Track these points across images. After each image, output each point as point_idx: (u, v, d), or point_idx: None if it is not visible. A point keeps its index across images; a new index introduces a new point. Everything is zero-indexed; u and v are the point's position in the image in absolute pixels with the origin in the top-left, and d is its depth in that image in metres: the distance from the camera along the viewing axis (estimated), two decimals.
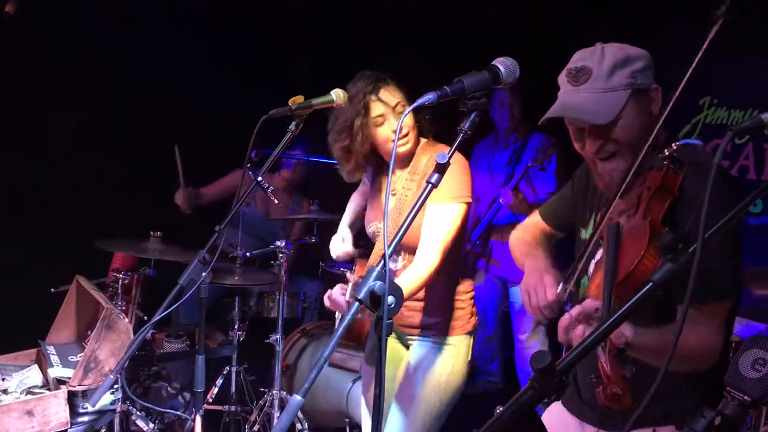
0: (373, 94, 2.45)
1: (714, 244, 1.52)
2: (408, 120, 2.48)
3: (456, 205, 2.41)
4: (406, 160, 2.57)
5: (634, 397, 1.33)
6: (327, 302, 2.44)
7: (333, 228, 2.95)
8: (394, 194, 2.58)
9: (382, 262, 1.52)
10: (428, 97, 1.61)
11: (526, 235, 2.22)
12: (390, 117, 2.46)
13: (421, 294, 2.46)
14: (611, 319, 0.98)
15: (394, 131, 1.88)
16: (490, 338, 4.56)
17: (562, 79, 1.81)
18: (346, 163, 2.58)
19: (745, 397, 0.98)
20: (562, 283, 1.80)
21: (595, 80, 1.73)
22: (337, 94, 2.31)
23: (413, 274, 2.33)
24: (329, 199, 4.29)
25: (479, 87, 1.62)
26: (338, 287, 2.43)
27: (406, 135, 2.48)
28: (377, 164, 2.67)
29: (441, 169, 1.57)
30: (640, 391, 1.35)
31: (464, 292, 2.60)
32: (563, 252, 2.20)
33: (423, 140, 2.59)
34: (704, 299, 1.58)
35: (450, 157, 1.57)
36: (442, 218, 2.40)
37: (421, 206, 1.55)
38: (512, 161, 4.28)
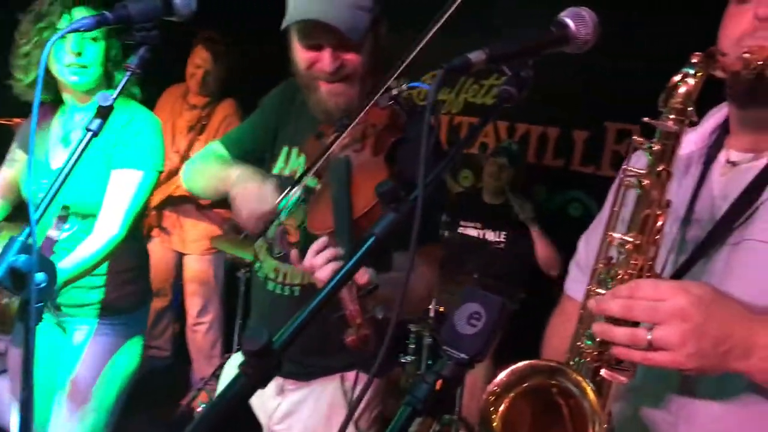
0: (66, 7, 2.05)
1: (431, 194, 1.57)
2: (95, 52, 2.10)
3: (148, 173, 2.18)
4: (86, 98, 2.19)
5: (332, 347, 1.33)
6: None
7: None
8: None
9: (28, 230, 1.21)
10: (83, 23, 1.30)
11: (209, 162, 1.96)
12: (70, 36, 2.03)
13: (102, 269, 2.21)
14: (333, 282, 0.83)
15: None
16: (162, 309, 4.31)
17: None
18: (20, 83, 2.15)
19: (462, 355, 0.92)
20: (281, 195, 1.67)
21: None
22: None
23: (93, 246, 2.09)
24: None
25: (149, 16, 1.37)
26: None
27: (84, 66, 2.09)
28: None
29: (104, 113, 1.29)
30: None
31: (141, 264, 2.41)
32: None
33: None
34: (424, 242, 1.61)
35: (114, 99, 1.30)
36: (131, 187, 2.16)
37: (79, 157, 1.26)
38: (195, 129, 3.91)
